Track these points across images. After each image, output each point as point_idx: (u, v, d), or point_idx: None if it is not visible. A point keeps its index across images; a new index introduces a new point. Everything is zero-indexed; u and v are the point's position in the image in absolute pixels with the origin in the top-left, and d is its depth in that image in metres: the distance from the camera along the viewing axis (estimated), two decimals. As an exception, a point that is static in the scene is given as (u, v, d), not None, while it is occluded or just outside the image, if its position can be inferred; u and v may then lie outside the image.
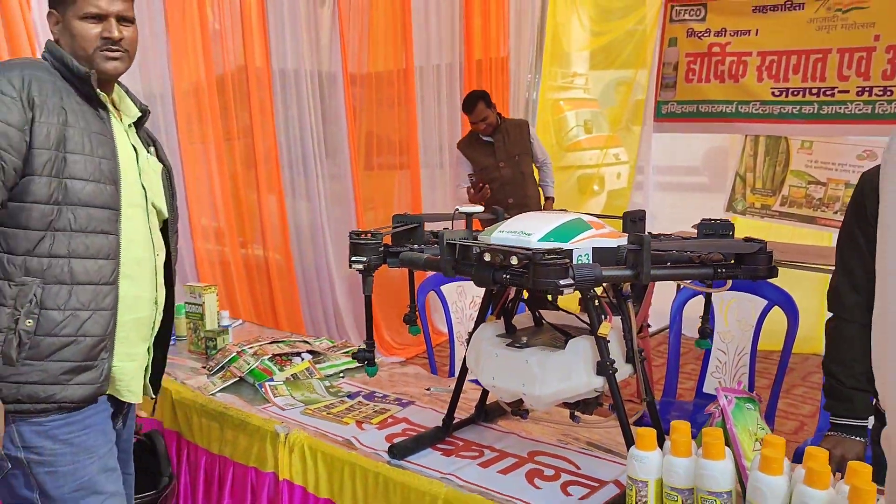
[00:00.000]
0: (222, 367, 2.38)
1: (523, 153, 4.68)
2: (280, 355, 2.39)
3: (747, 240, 1.56)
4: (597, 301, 1.64)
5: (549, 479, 1.74)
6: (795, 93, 5.14)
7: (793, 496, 1.29)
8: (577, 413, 1.81)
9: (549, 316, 1.88)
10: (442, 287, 3.25)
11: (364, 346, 1.77)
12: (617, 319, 1.70)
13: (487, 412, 2.06)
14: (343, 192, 4.82)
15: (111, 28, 1.65)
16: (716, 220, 1.80)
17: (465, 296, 3.30)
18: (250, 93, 4.23)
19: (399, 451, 1.83)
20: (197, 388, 2.31)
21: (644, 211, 1.96)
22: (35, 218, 1.56)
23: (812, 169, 5.25)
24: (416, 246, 1.73)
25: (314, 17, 4.60)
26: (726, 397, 1.55)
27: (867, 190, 1.65)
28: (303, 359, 2.42)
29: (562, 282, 1.33)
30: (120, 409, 1.79)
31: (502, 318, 1.84)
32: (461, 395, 1.95)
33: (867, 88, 4.89)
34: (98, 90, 1.67)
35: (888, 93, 4.83)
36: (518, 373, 1.67)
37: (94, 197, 1.61)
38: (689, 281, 1.72)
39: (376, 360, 1.80)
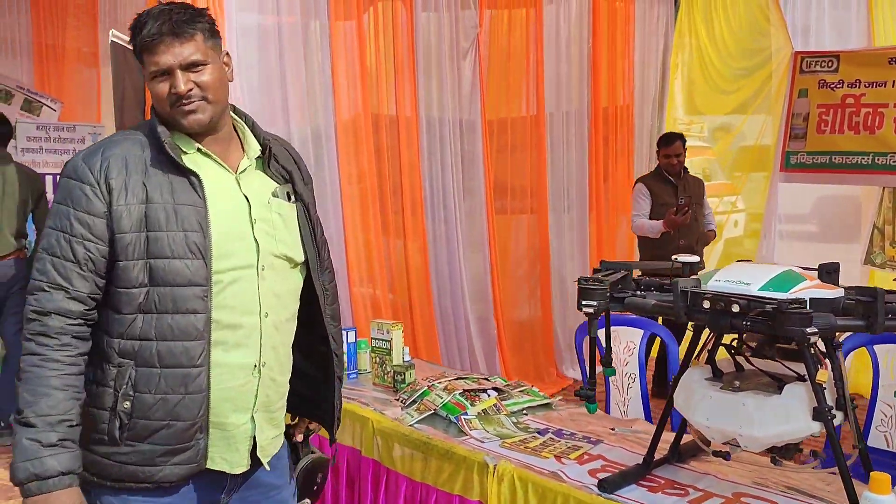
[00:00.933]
0: (415, 401, 2.55)
1: (698, 203, 5.01)
2: (469, 391, 2.55)
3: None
4: (813, 349, 1.74)
5: (761, 519, 1.82)
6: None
7: None
8: (777, 458, 1.90)
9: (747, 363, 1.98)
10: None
11: (588, 386, 1.91)
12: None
13: (681, 452, 2.16)
14: (479, 235, 5.02)
15: (176, 82, 1.56)
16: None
17: (619, 342, 3.41)
18: (400, 137, 4.50)
19: (609, 486, 1.95)
20: (395, 418, 2.48)
21: (838, 263, 2.05)
22: (125, 301, 1.54)
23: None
24: (638, 292, 1.87)
25: (457, 67, 4.86)
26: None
27: None
28: (489, 395, 2.57)
29: (808, 330, 1.44)
30: (223, 478, 1.68)
31: (706, 363, 1.95)
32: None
33: None
34: (182, 155, 1.59)
35: None
36: (734, 414, 1.77)
37: (178, 275, 1.54)
38: None
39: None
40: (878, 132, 5.31)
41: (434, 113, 4.76)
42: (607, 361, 2.09)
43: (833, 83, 5.49)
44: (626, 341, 3.40)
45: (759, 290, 1.72)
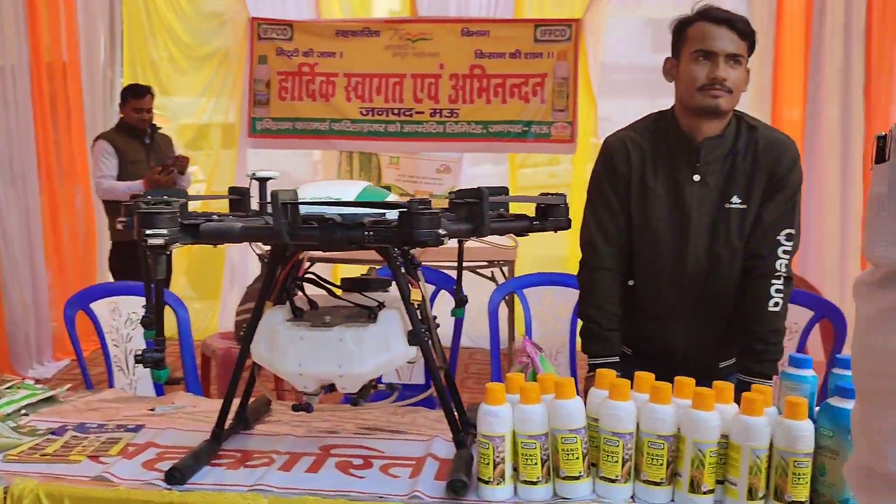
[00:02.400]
0: None
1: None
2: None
3: (543, 195, 1.68)
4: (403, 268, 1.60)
5: (362, 467, 1.61)
6: (380, 112, 5.59)
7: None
8: (356, 398, 1.72)
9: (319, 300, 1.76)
10: (93, 305, 2.77)
11: (153, 348, 1.44)
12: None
13: (248, 418, 1.83)
14: None
15: None
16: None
17: (119, 314, 2.86)
18: None
19: (182, 474, 1.51)
20: None
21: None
22: None
23: (402, 182, 5.74)
24: (215, 215, 1.46)
25: None
26: (529, 349, 1.64)
27: (620, 155, 1.89)
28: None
29: (441, 231, 1.27)
30: None
31: (286, 302, 1.66)
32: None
33: (438, 110, 5.55)
34: None
35: (454, 114, 5.54)
36: (332, 354, 1.52)
37: None
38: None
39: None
40: (331, 100, 5.61)
41: None
42: (148, 323, 1.63)
43: (290, 51, 5.61)
44: (128, 313, 2.88)
45: (356, 199, 1.51)
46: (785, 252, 1.80)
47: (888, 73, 3.93)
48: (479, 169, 6.05)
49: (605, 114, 5.62)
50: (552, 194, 1.61)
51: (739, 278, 1.86)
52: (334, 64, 5.62)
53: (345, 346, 1.52)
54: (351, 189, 1.57)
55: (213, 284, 5.68)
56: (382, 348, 1.54)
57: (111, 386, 2.73)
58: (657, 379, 1.88)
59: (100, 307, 2.81)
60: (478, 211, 1.42)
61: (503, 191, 1.78)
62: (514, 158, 5.83)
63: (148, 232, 1.29)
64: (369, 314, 1.60)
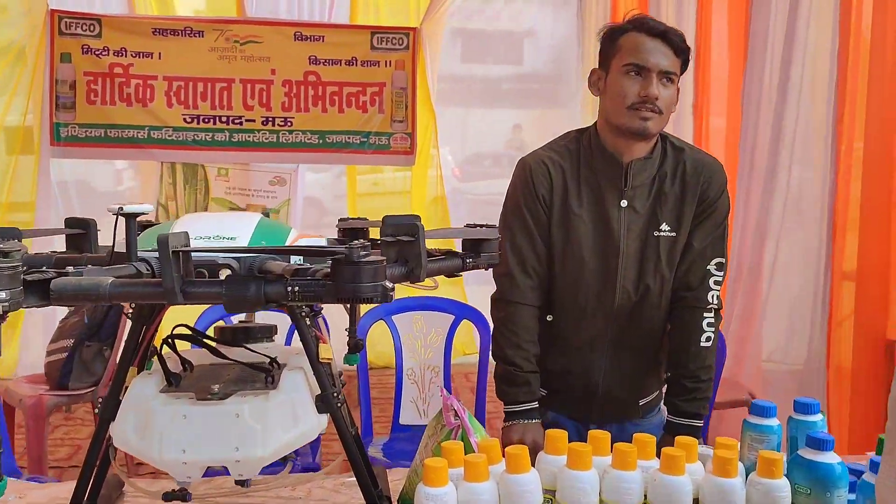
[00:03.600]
0: None
1: None
2: None
3: (470, 226, 1.44)
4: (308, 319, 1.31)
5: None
6: (207, 120, 5.14)
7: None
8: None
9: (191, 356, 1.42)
10: None
11: None
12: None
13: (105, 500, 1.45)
14: None
15: None
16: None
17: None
18: None
19: None
20: None
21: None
22: None
23: (232, 195, 5.30)
24: (72, 269, 1.09)
25: None
26: (457, 407, 1.41)
27: (540, 176, 1.70)
28: None
29: (388, 284, 1.00)
30: None
31: (157, 368, 1.31)
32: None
33: (270, 119, 5.19)
34: None
35: (288, 123, 5.21)
36: (226, 434, 1.21)
37: None
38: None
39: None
40: (150, 105, 5.08)
41: None
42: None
43: (98, 49, 5.01)
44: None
45: (250, 244, 1.20)
46: (716, 282, 1.70)
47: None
48: (316, 177, 5.73)
49: (444, 125, 5.53)
50: (481, 226, 1.39)
51: (667, 309, 1.74)
52: (152, 66, 5.08)
53: (243, 424, 1.21)
54: (243, 224, 1.27)
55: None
56: (290, 422, 1.24)
57: None
58: (573, 417, 1.72)
59: None
60: (412, 250, 1.16)
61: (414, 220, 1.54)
62: (353, 167, 5.57)
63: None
64: (266, 377, 1.30)
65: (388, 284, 0.99)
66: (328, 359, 1.29)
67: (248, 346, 1.41)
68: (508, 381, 1.73)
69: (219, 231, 1.21)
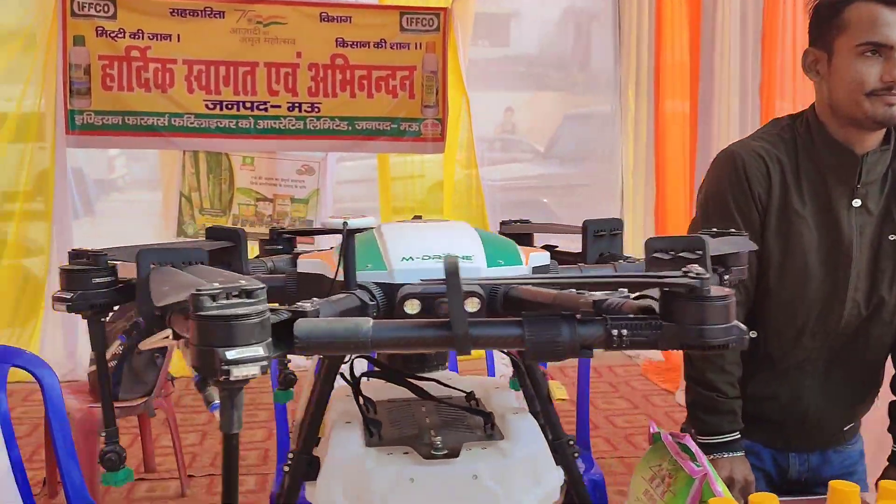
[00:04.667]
0: None
1: None
2: None
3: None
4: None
5: None
6: (230, 106, 4.88)
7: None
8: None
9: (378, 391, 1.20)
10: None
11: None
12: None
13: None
14: None
15: None
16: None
17: None
18: None
19: None
20: None
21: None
22: None
23: (258, 186, 5.04)
24: (308, 306, 0.85)
25: None
26: (694, 451, 1.20)
27: (755, 170, 1.48)
28: None
29: (742, 326, 0.78)
30: None
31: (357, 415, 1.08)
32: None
33: (297, 104, 4.94)
34: None
35: (316, 109, 4.96)
36: (461, 500, 0.99)
37: None
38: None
39: None
40: (170, 90, 4.80)
41: None
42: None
43: (113, 32, 4.71)
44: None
45: (490, 266, 0.98)
46: None
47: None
48: (344, 163, 5.47)
49: (477, 109, 5.30)
50: (721, 233, 1.16)
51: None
52: (170, 48, 4.80)
53: (480, 487, 0.99)
54: (465, 238, 1.04)
55: (20, 308, 4.63)
56: (530, 482, 1.03)
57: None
58: (770, 445, 1.53)
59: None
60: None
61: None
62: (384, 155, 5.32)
63: (232, 356, 0.69)
64: (485, 423, 1.08)
65: (743, 326, 0.77)
66: (563, 399, 1.08)
67: (423, 375, 1.19)
68: (709, 408, 1.51)
69: (448, 248, 0.99)
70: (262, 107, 4.91)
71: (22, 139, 4.69)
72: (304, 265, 1.08)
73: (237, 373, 0.69)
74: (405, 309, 0.91)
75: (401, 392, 1.20)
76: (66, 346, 4.55)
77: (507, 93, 7.09)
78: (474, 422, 1.11)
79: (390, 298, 0.95)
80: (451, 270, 0.75)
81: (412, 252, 0.98)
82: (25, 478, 2.11)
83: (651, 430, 1.28)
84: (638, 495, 1.26)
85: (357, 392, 1.09)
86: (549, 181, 7.02)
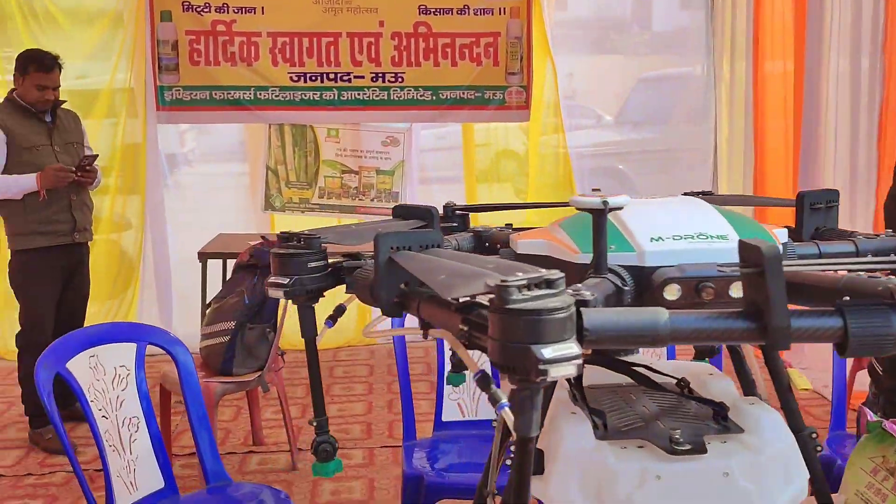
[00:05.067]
0: None
1: (78, 144, 3.58)
2: None
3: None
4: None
5: None
6: (314, 78, 4.84)
7: None
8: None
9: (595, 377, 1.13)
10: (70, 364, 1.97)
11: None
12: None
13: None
14: None
15: None
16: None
17: (101, 370, 2.06)
18: None
19: None
20: None
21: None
22: None
23: (343, 158, 5.01)
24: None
25: None
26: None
27: None
28: None
29: None
30: None
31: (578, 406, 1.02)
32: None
33: (380, 74, 4.87)
34: None
35: (399, 79, 4.88)
36: (712, 499, 0.92)
37: None
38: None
39: None
40: (255, 64, 4.78)
41: None
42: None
43: (200, 6, 4.70)
44: (114, 367, 2.08)
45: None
46: None
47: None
48: (427, 133, 5.38)
49: (564, 74, 5.16)
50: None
51: None
52: (255, 21, 4.77)
53: (731, 486, 0.92)
54: (708, 215, 0.96)
55: (117, 282, 4.70)
56: (782, 481, 0.95)
57: (106, 473, 1.95)
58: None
59: (77, 364, 2.00)
60: None
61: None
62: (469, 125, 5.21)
63: (549, 355, 0.62)
64: (715, 415, 1.01)
65: None
66: (806, 389, 1.00)
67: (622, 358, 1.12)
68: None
69: (698, 227, 0.91)
70: (345, 78, 4.86)
71: (114, 115, 4.73)
72: (525, 246, 1.02)
73: (555, 373, 0.63)
74: (664, 294, 0.85)
75: (600, 377, 1.14)
76: (161, 320, 4.62)
77: (565, 56, 6.90)
78: (700, 411, 1.04)
79: (640, 282, 0.88)
80: (772, 255, 0.67)
81: (660, 232, 0.91)
82: (164, 451, 2.13)
83: (867, 418, 1.20)
84: (858, 488, 1.18)
85: (579, 382, 1.03)
86: (623, 148, 6.83)
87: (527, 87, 4.96)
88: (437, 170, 5.49)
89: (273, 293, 1.01)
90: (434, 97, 4.91)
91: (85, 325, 3.63)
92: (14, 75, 3.39)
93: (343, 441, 3.46)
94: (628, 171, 6.74)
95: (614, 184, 6.50)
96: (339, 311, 1.11)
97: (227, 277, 4.08)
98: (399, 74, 4.90)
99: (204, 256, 4.02)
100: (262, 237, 3.35)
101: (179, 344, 2.23)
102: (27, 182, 3.28)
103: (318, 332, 1.06)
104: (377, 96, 4.89)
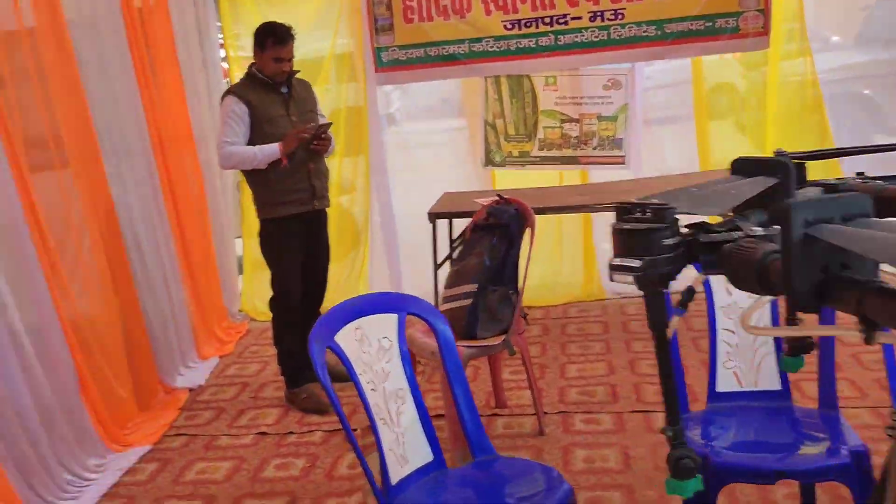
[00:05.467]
0: None
1: (312, 112, 3.68)
2: None
3: None
4: None
5: None
6: (528, 24, 4.59)
7: None
8: None
9: None
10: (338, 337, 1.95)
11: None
12: None
13: None
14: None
15: None
16: None
17: (367, 342, 2.03)
18: None
19: None
20: None
21: None
22: None
23: (563, 106, 4.78)
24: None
25: None
26: None
27: None
28: None
29: None
30: None
31: None
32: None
33: (599, 13, 4.53)
34: None
35: (619, 16, 4.52)
36: None
37: None
38: None
39: None
40: (468, 16, 4.63)
41: None
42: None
43: (411, -38, 4.61)
44: (377, 339, 2.04)
45: None
46: None
47: None
48: (652, 69, 5.00)
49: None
50: None
51: None
52: (462, -31, 4.61)
53: None
54: None
55: (343, 245, 4.81)
56: None
57: (379, 447, 1.92)
58: None
59: (344, 336, 1.98)
60: None
61: None
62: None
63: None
64: None
65: None
66: None
67: None
68: None
69: None
70: (561, 21, 4.59)
71: (337, 80, 4.81)
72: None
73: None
74: None
75: None
76: (392, 282, 4.69)
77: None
78: None
79: None
80: None
81: None
82: (430, 423, 2.07)
83: None
84: None
85: None
86: (865, 70, 6.03)
87: (765, 10, 4.43)
88: (662, 110, 5.11)
89: (619, 279, 0.83)
90: (659, 32, 4.52)
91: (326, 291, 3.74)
92: (254, 50, 3.48)
93: (589, 405, 3.31)
94: (875, 96, 5.97)
95: (862, 114, 5.79)
96: (690, 294, 0.92)
97: (454, 236, 4.04)
98: (619, 11, 4.55)
99: (433, 216, 3.98)
100: (498, 195, 3.23)
101: (439, 316, 2.16)
102: (271, 150, 3.38)
103: (668, 323, 0.88)
104: (597, 37, 4.58)
